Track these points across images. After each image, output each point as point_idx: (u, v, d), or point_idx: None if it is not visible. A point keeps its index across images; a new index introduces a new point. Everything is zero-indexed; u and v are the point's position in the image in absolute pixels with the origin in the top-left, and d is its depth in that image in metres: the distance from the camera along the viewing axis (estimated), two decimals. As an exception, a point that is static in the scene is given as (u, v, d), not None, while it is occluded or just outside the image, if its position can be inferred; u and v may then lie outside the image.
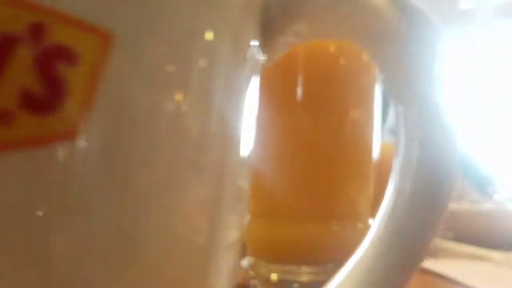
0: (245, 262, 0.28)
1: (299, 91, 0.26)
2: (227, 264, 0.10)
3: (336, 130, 0.27)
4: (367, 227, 0.29)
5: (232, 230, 0.10)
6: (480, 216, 0.46)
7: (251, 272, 0.27)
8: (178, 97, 0.08)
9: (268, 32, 0.10)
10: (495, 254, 0.38)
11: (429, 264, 0.33)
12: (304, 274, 0.27)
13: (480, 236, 0.46)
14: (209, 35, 0.09)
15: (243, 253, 0.28)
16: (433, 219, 0.11)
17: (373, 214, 0.31)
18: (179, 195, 0.08)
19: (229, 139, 0.09)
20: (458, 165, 0.11)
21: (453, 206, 0.43)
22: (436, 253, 0.42)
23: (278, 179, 0.27)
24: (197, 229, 0.09)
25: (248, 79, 0.10)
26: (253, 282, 0.27)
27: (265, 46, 0.10)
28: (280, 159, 0.27)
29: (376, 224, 0.11)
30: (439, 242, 0.47)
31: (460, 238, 0.48)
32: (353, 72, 0.27)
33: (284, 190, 0.27)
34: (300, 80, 0.26)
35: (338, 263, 0.27)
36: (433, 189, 0.11)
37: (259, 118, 0.28)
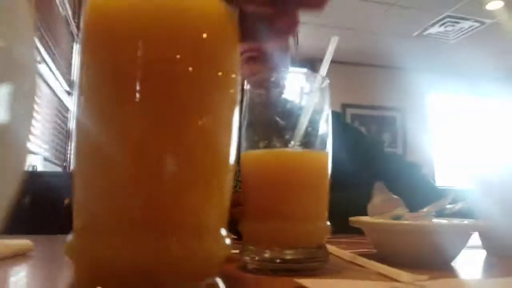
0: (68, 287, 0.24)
1: (136, 91, 0.23)
2: None
3: (178, 135, 0.24)
4: (219, 242, 0.25)
5: None
6: (396, 232, 0.43)
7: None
8: None
9: None
10: (404, 275, 0.35)
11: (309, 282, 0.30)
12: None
13: (401, 252, 0.43)
14: None
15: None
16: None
17: (230, 226, 0.27)
18: None
19: None
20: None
21: (373, 220, 0.39)
22: (341, 271, 0.39)
23: (106, 186, 0.24)
24: None
25: None
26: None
27: None
28: (109, 165, 0.23)
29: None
30: (352, 257, 0.43)
31: (384, 254, 0.44)
32: (202, 77, 0.24)
33: (114, 199, 0.23)
34: (139, 77, 0.23)
35: (181, 286, 0.24)
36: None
37: (83, 120, 0.25)
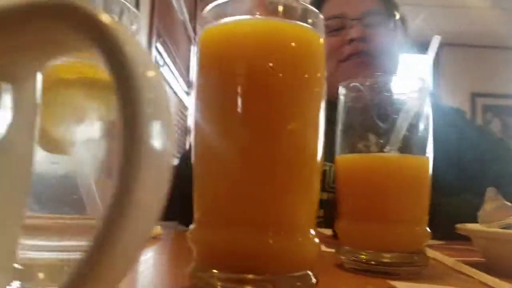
0: (190, 267, 0.29)
1: (239, 102, 0.27)
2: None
3: (274, 141, 0.27)
4: (308, 239, 0.28)
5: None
6: (505, 241, 0.40)
7: (194, 279, 0.29)
8: None
9: None
10: (507, 286, 0.33)
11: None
12: (246, 282, 0.27)
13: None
14: None
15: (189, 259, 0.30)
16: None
17: (321, 225, 0.30)
18: None
19: None
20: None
21: (480, 228, 0.39)
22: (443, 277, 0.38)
23: (218, 186, 0.28)
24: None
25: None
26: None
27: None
28: (220, 167, 0.28)
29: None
30: (457, 265, 0.42)
31: (493, 264, 0.42)
32: (292, 86, 0.27)
33: (223, 197, 0.28)
34: (240, 92, 0.27)
35: (278, 274, 0.27)
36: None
37: (199, 126, 0.30)
